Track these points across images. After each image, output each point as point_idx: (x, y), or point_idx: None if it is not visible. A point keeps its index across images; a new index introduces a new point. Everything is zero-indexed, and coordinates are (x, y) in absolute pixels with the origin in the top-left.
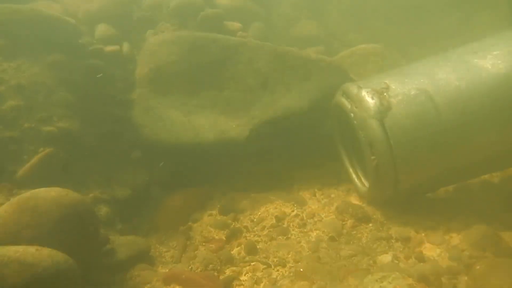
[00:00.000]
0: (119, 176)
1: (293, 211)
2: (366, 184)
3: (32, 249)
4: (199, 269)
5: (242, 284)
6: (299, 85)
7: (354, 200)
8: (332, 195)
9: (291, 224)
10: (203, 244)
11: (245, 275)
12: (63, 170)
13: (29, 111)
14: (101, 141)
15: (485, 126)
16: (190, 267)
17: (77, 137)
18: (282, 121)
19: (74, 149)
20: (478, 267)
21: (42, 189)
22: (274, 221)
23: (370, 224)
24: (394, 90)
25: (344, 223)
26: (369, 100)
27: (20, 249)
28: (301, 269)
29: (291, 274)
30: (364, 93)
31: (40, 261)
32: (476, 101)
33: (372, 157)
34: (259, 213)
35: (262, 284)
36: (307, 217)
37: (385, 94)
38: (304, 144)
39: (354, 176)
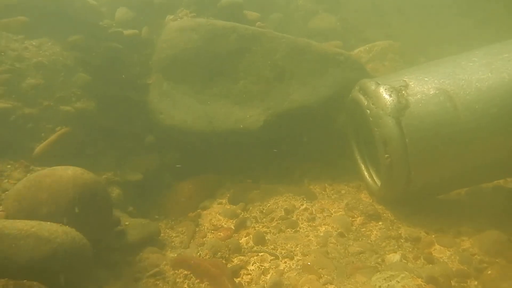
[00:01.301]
0: (131, 159)
1: (302, 204)
2: (378, 182)
3: (47, 225)
4: (207, 256)
5: (250, 274)
6: (316, 79)
7: (365, 197)
8: (343, 191)
9: (300, 217)
10: (212, 231)
11: (252, 265)
12: (79, 150)
13: (49, 90)
14: (115, 123)
15: (504, 129)
16: (198, 254)
17: (93, 118)
18: (297, 114)
19: (89, 130)
20: (489, 272)
21: (59, 167)
22: (283, 213)
23: (380, 223)
24: (413, 88)
25: (353, 219)
26: (387, 97)
27: (36, 224)
28: (309, 263)
29: (299, 267)
30: (382, 90)
31: (55, 237)
32: (497, 103)
33: (386, 155)
34: (269, 204)
35: (269, 275)
36: (316, 212)
37: (403, 92)
38: (317, 139)
39: (365, 173)
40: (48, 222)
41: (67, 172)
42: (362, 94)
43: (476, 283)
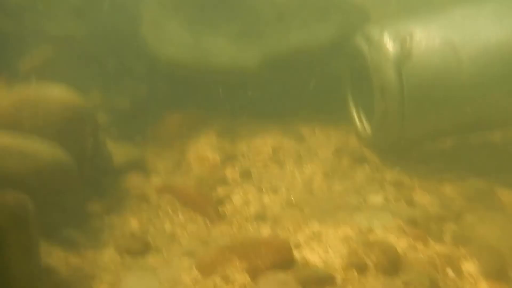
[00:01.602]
0: (120, 87)
1: (290, 143)
2: (369, 129)
3: (32, 140)
4: (192, 184)
5: (233, 204)
6: (317, 21)
7: (353, 141)
8: (332, 134)
9: (287, 156)
10: (198, 162)
11: (236, 196)
12: (64, 73)
13: (35, 8)
14: (105, 49)
15: (505, 84)
16: (183, 181)
17: (81, 41)
18: (294, 57)
19: (77, 53)
20: (468, 217)
21: (46, 86)
22: (270, 150)
23: (366, 165)
24: (418, 37)
25: (340, 161)
26: (390, 45)
27: (20, 139)
28: (292, 198)
29: (282, 201)
30: (386, 37)
31: (40, 152)
32: (503, 58)
33: (382, 103)
34: (256, 141)
35: (252, 207)
36: (303, 151)
37: (407, 40)
38: (311, 83)
39: (357, 119)
40: (34, 138)
41: (54, 91)
42: (365, 40)
43: (453, 225)
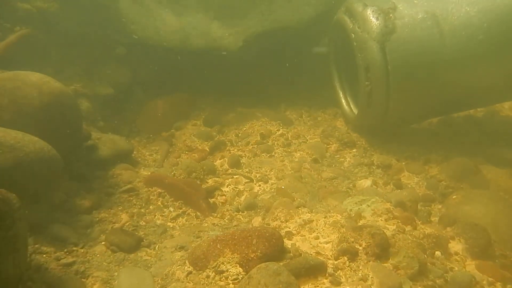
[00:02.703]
0: (101, 71)
1: (278, 130)
2: (355, 110)
3: (13, 132)
4: (181, 176)
5: (224, 195)
6: None
7: (340, 125)
8: (319, 118)
9: (275, 142)
10: (186, 152)
11: (227, 187)
12: (42, 55)
13: None
14: (83, 29)
15: (488, 58)
16: (172, 173)
17: (57, 21)
18: (279, 35)
19: (53, 34)
20: (454, 196)
21: (22, 71)
22: (259, 138)
23: (354, 150)
24: (401, 11)
25: (328, 146)
26: (373, 20)
27: (0, 131)
28: (283, 186)
29: (273, 190)
30: (369, 12)
31: (21, 145)
32: (484, 30)
33: (367, 83)
34: (245, 128)
35: (243, 197)
36: (292, 138)
37: (391, 15)
38: (297, 63)
39: (343, 100)
40: (15, 130)
41: (31, 78)
42: (348, 16)
43: (440, 206)
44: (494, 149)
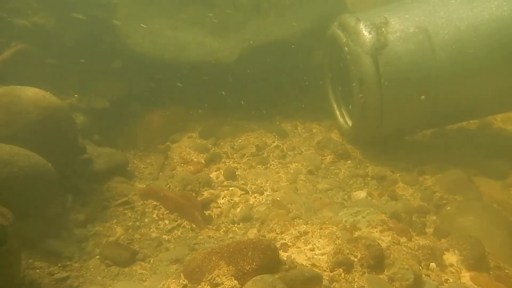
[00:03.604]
0: (97, 85)
1: (273, 142)
2: (350, 122)
3: (7, 147)
4: (177, 189)
5: (220, 207)
6: (293, 11)
7: (335, 136)
8: (314, 130)
9: (271, 154)
10: (182, 165)
11: (222, 199)
12: (38, 71)
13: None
14: (79, 44)
15: (479, 71)
16: (168, 186)
17: (53, 36)
18: (273, 48)
19: (50, 49)
20: (448, 208)
21: (17, 86)
22: (254, 149)
23: (349, 161)
24: (393, 26)
25: (323, 158)
26: (366, 34)
27: None
28: (278, 198)
29: (268, 202)
30: (362, 26)
31: (16, 160)
32: (474, 44)
33: (360, 95)
34: (240, 140)
35: (239, 209)
36: (287, 149)
37: (383, 29)
38: (291, 76)
39: (338, 113)
40: (9, 145)
41: (27, 93)
42: (341, 30)
43: (434, 218)
44: (487, 161)
